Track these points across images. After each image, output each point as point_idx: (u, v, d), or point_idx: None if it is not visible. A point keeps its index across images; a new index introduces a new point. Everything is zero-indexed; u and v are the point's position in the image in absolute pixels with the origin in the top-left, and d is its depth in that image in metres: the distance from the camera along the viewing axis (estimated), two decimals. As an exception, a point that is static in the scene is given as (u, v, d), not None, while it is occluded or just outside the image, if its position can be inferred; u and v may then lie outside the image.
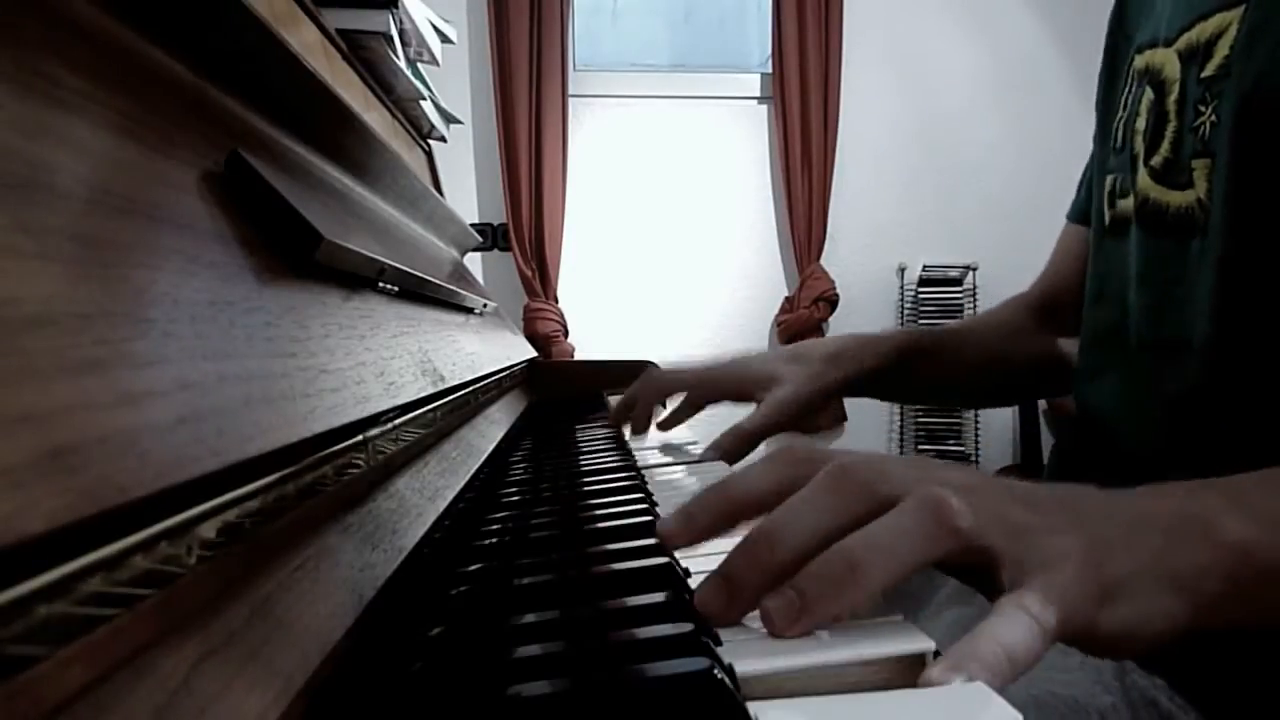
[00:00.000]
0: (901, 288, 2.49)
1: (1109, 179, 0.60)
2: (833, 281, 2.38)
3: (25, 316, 0.18)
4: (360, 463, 0.35)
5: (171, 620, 0.19)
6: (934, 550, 0.28)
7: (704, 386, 0.71)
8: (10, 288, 0.18)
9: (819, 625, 0.27)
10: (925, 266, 2.45)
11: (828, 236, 2.39)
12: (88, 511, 0.17)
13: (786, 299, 2.45)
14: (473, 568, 0.38)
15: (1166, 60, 0.53)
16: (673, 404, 0.74)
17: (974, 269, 2.43)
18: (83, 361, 0.19)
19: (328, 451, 0.31)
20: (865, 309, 2.48)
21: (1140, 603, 0.29)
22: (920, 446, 2.48)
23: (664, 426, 0.74)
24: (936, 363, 0.74)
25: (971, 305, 2.43)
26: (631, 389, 0.74)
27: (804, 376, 0.67)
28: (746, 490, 0.32)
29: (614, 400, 1.06)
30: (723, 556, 0.30)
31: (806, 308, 2.37)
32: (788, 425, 0.67)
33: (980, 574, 0.30)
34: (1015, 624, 0.27)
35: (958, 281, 2.43)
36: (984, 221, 2.49)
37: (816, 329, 2.40)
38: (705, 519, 0.33)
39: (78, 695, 0.16)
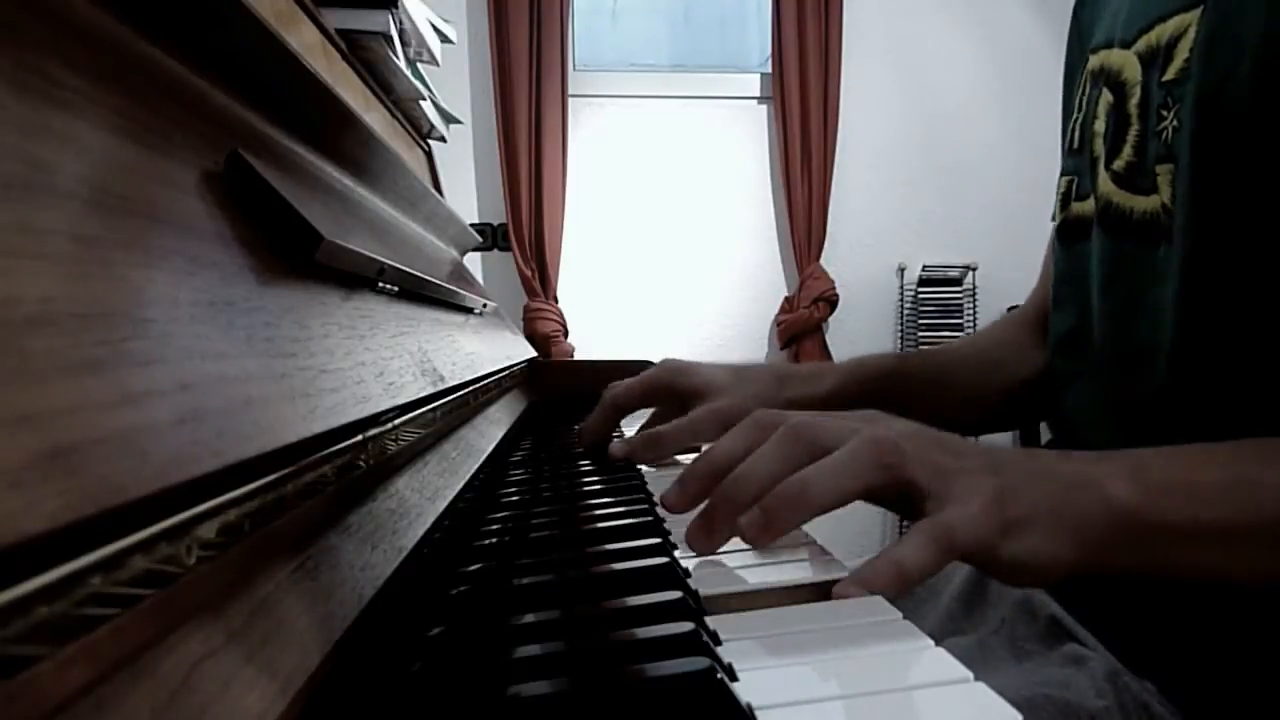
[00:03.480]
0: (901, 288, 2.49)
1: (1064, 180, 0.60)
2: (832, 281, 2.38)
3: (25, 316, 0.18)
4: (360, 463, 0.35)
5: (171, 620, 0.19)
6: (868, 480, 0.35)
7: (643, 395, 0.64)
8: (10, 288, 0.18)
9: (780, 533, 0.35)
10: (925, 266, 2.45)
11: (827, 236, 2.39)
12: (88, 511, 0.17)
13: (786, 299, 2.44)
14: (473, 568, 0.38)
15: (1125, 62, 0.52)
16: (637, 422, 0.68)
17: (974, 269, 2.43)
18: (83, 361, 0.19)
19: (328, 451, 0.31)
20: (865, 309, 2.48)
21: (1035, 540, 0.35)
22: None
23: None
24: (921, 389, 0.68)
25: (971, 305, 2.43)
26: (591, 416, 0.65)
27: (748, 394, 0.61)
28: (727, 455, 0.39)
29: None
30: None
31: (806, 307, 2.37)
32: (713, 437, 0.51)
33: (907, 504, 0.36)
34: (910, 543, 0.33)
35: (957, 281, 2.43)
36: (984, 221, 2.49)
37: (816, 329, 2.40)
38: (696, 485, 0.40)
39: (78, 695, 0.16)
